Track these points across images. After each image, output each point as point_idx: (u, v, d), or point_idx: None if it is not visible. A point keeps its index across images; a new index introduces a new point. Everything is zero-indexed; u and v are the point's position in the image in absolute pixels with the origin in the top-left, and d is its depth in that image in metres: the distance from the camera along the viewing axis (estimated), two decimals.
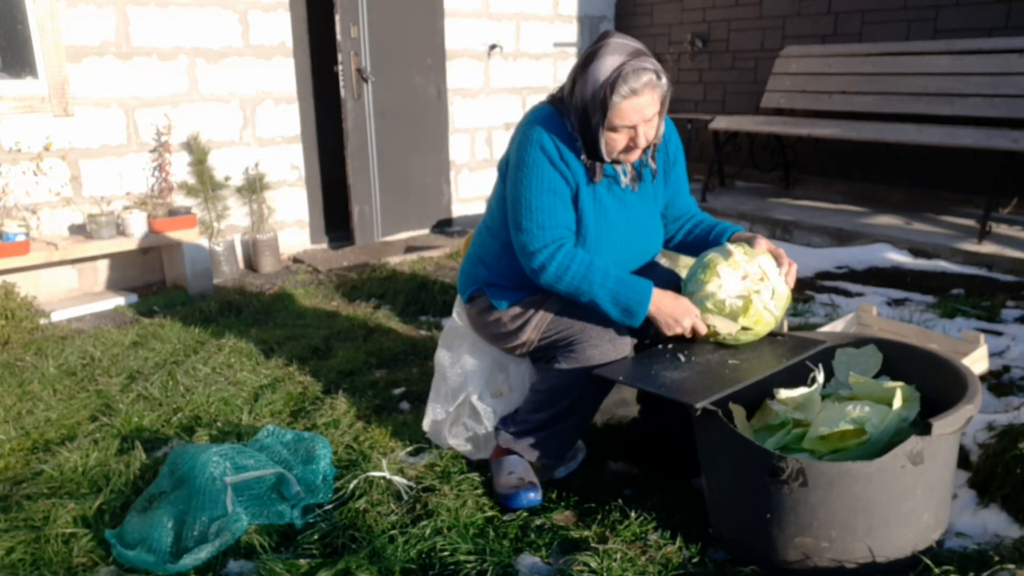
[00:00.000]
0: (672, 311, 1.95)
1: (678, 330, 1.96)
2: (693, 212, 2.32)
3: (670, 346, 2.05)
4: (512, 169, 2.03)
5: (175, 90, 4.53)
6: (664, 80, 1.92)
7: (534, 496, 2.04)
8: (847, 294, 3.77)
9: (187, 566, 1.83)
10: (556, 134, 1.97)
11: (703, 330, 1.97)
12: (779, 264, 2.02)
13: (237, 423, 2.60)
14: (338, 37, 4.87)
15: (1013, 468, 1.89)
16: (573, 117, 1.97)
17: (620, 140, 1.95)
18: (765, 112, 5.71)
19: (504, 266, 2.14)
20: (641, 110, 1.89)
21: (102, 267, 4.42)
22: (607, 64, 1.86)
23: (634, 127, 1.92)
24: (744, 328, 1.96)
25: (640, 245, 2.15)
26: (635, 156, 2.00)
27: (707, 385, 1.78)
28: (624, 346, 2.03)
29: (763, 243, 2.07)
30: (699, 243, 2.25)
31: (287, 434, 2.31)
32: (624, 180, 2.07)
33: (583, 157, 1.99)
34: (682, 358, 1.96)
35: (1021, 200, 4.48)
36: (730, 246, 2.02)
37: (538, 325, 2.09)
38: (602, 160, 1.99)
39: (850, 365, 2.01)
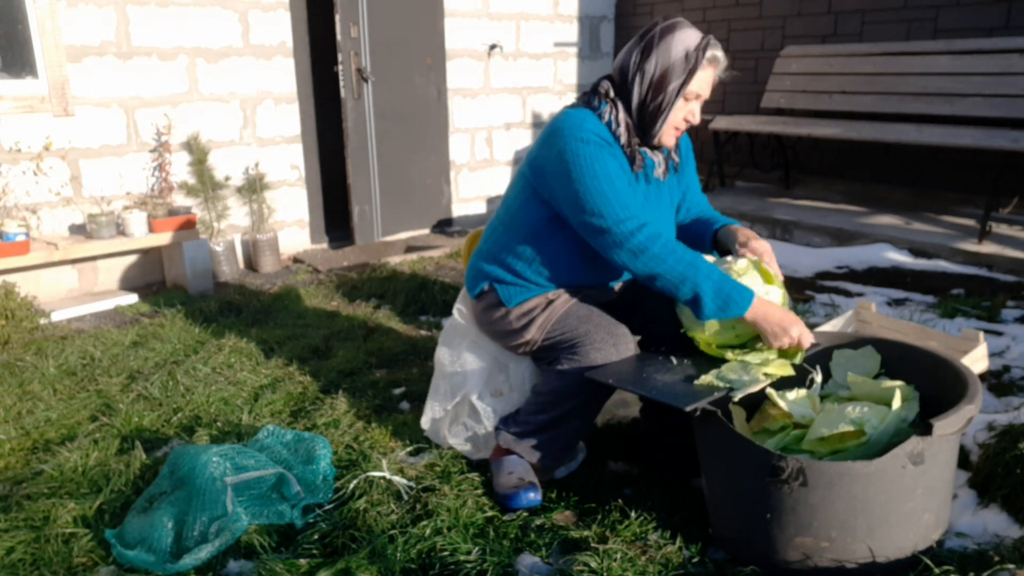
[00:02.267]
0: (780, 320, 1.90)
1: (786, 340, 1.90)
2: (703, 207, 2.35)
3: (663, 348, 2.06)
4: (568, 166, 1.95)
5: (175, 90, 4.53)
6: (725, 62, 2.04)
7: (534, 496, 2.04)
8: (847, 294, 3.77)
9: (187, 566, 1.83)
10: (601, 130, 2.00)
11: (809, 340, 1.91)
12: (769, 264, 2.04)
13: (237, 423, 2.60)
14: (338, 37, 4.87)
15: (1013, 468, 1.89)
16: (641, 91, 2.00)
17: (683, 112, 2.02)
18: (765, 112, 5.71)
19: (517, 262, 2.14)
20: (711, 83, 2.02)
21: (102, 267, 4.42)
22: (692, 35, 1.97)
23: (698, 99, 2.02)
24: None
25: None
26: (676, 139, 2.09)
27: (698, 388, 1.79)
28: (627, 350, 2.03)
29: (751, 239, 2.10)
30: (689, 231, 2.30)
31: (287, 434, 2.31)
32: (658, 171, 2.12)
33: (625, 144, 2.03)
34: (674, 361, 1.98)
35: (1021, 200, 4.48)
36: (743, 262, 2.00)
37: (543, 325, 2.09)
38: (650, 142, 2.05)
39: (847, 366, 2.01)
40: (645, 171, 2.09)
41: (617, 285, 2.27)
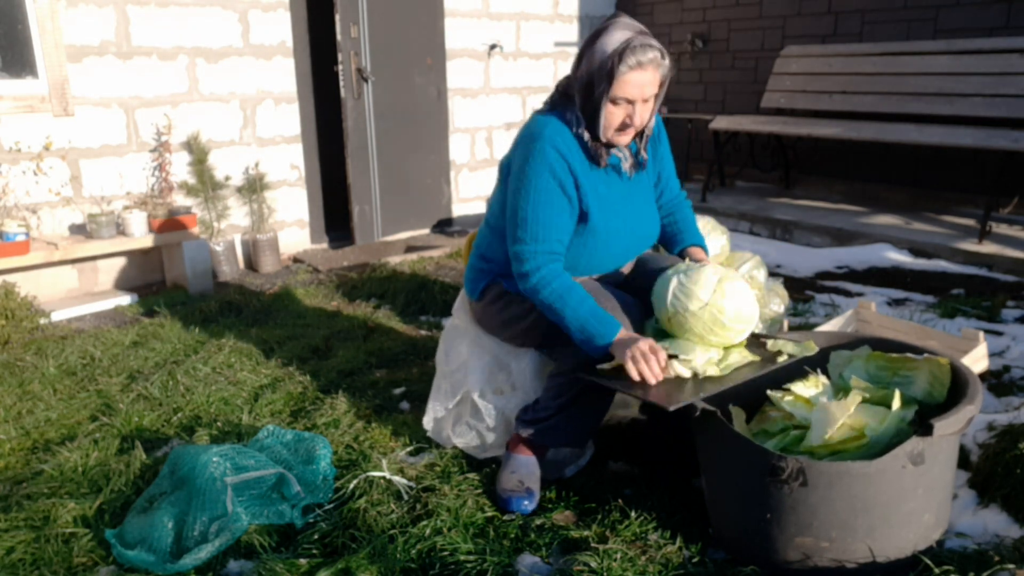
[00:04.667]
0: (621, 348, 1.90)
1: (639, 366, 1.86)
2: (676, 195, 2.38)
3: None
4: (513, 178, 2.06)
5: (175, 90, 4.53)
6: (667, 61, 1.98)
7: (527, 504, 2.05)
8: (847, 294, 3.77)
9: (187, 566, 1.83)
10: (559, 139, 2.01)
11: (661, 356, 1.88)
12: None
13: (237, 423, 2.60)
14: (338, 37, 4.87)
15: (1013, 468, 1.89)
16: (577, 94, 2.01)
17: (618, 115, 1.99)
18: (765, 112, 5.71)
19: (509, 260, 2.14)
20: (643, 86, 1.94)
21: (102, 267, 4.42)
22: (616, 37, 1.93)
23: (632, 103, 1.96)
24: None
25: (642, 231, 2.21)
26: (627, 138, 2.05)
27: (685, 388, 1.79)
28: (635, 320, 2.05)
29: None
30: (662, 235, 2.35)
31: (287, 434, 2.31)
32: (625, 165, 2.12)
33: (587, 139, 2.03)
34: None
35: (1021, 200, 4.48)
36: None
37: None
38: (598, 139, 2.04)
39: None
40: (615, 168, 2.11)
41: (626, 267, 2.29)
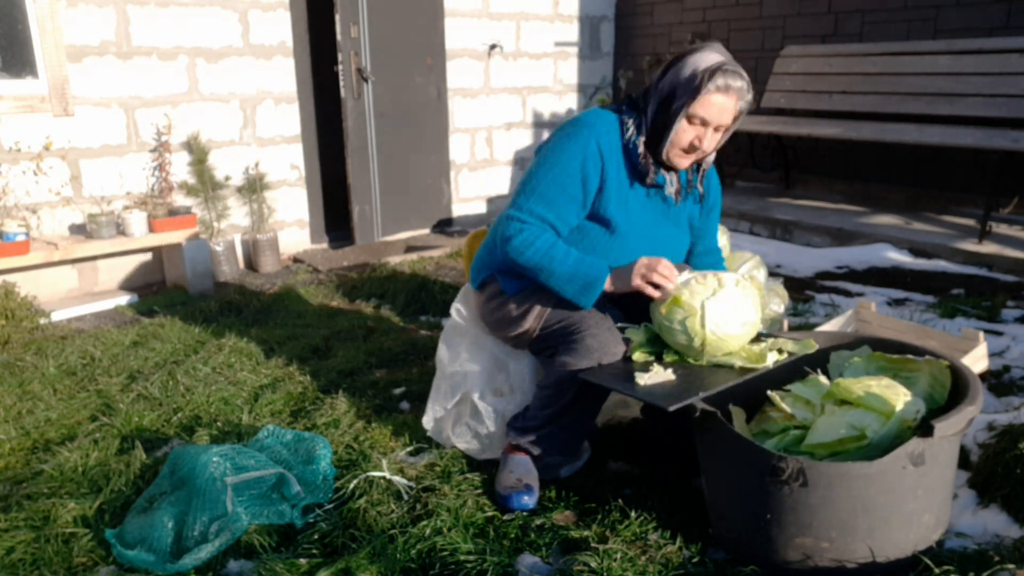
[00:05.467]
0: (636, 271, 1.95)
1: (646, 279, 1.94)
2: (712, 249, 2.36)
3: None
4: (543, 148, 2.08)
5: (175, 90, 4.53)
6: (750, 96, 1.99)
7: (527, 500, 2.05)
8: (847, 294, 3.77)
9: (187, 566, 1.83)
10: (606, 139, 2.02)
11: (667, 269, 1.94)
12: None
13: (237, 423, 2.60)
14: (338, 37, 4.87)
15: (1013, 468, 1.89)
16: (651, 105, 2.02)
17: (689, 134, 1.99)
18: (765, 112, 5.71)
19: None
20: (722, 111, 1.95)
21: (102, 267, 4.42)
22: (711, 57, 1.95)
23: (707, 125, 1.97)
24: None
25: (664, 254, 2.16)
26: (688, 162, 2.05)
27: (684, 388, 1.79)
28: (621, 338, 2.05)
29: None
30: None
31: (287, 434, 2.31)
32: (669, 189, 2.11)
33: (641, 151, 2.03)
34: (666, 360, 1.98)
35: (1021, 200, 4.48)
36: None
37: (539, 314, 2.11)
38: (659, 158, 2.03)
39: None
40: (660, 189, 2.10)
41: None
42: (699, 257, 2.32)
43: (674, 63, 1.99)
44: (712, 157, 2.15)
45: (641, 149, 2.03)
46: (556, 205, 2.02)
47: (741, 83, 1.94)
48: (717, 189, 2.30)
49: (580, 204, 2.05)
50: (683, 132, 1.99)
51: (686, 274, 1.97)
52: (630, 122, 2.05)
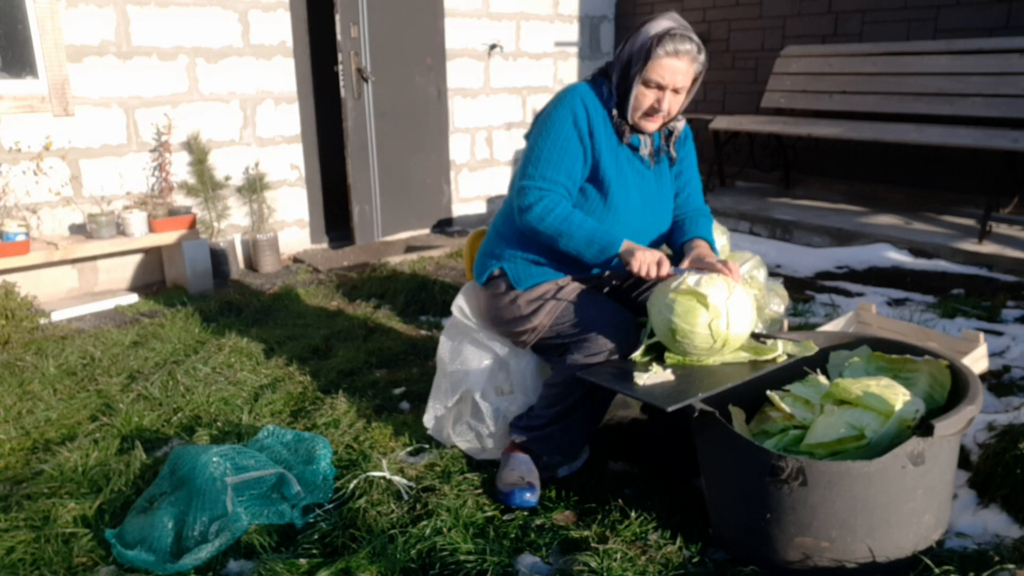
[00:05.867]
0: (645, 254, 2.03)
1: (645, 269, 2.01)
2: (697, 207, 2.37)
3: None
4: (535, 125, 2.17)
5: (175, 90, 4.53)
6: (703, 57, 2.10)
7: (529, 496, 2.05)
8: (847, 294, 3.77)
9: (187, 566, 1.83)
10: (589, 99, 2.13)
11: (666, 269, 2.01)
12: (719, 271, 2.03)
13: (237, 423, 2.60)
14: (338, 37, 4.87)
15: (1013, 468, 1.89)
16: (616, 72, 2.13)
17: (648, 98, 2.09)
18: (765, 112, 5.71)
19: (531, 244, 2.17)
20: (675, 73, 2.05)
21: (102, 267, 4.42)
22: (661, 24, 2.07)
23: (663, 89, 2.06)
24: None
25: (653, 218, 2.25)
26: (654, 125, 2.14)
27: (683, 389, 1.79)
28: (631, 337, 2.05)
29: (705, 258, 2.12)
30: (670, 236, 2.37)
31: (287, 434, 2.31)
32: (644, 150, 2.19)
33: (614, 115, 2.13)
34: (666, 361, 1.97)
35: (1021, 200, 4.48)
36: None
37: (552, 311, 2.12)
38: (624, 118, 2.13)
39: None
40: (635, 151, 2.18)
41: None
42: (691, 220, 2.33)
43: (631, 35, 2.12)
44: (682, 123, 2.24)
45: (615, 113, 2.14)
46: (563, 164, 2.10)
47: (690, 46, 2.05)
48: (692, 151, 2.37)
49: (582, 158, 2.12)
50: (642, 96, 2.09)
51: (690, 274, 1.96)
52: (603, 89, 2.15)
